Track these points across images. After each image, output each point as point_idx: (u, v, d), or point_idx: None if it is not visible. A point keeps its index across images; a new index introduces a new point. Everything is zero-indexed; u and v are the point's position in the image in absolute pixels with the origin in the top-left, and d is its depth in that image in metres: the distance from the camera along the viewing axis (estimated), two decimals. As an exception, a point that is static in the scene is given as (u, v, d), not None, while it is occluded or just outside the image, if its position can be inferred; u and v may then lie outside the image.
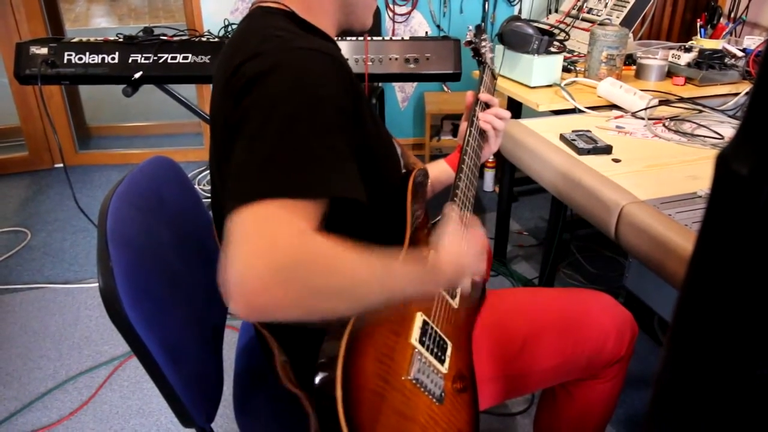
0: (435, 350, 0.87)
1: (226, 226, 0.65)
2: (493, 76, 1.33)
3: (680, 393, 0.43)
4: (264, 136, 0.70)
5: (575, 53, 2.28)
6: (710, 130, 1.56)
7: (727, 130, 1.55)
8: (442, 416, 0.83)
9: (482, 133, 1.17)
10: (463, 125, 1.19)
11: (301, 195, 0.67)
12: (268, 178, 0.67)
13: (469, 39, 1.30)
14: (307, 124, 0.71)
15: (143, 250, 0.88)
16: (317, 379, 0.71)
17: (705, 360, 0.40)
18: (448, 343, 0.91)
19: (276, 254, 0.62)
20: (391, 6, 3.14)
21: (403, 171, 1.00)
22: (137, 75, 2.06)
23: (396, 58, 2.16)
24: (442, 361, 0.87)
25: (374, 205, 0.90)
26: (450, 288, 0.87)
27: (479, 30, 1.32)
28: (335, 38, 0.94)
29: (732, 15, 2.60)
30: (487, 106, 1.20)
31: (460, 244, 0.85)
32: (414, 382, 0.80)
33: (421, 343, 0.85)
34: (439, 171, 1.21)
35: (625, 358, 1.14)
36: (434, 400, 0.83)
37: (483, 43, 1.32)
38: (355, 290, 0.68)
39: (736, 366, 0.39)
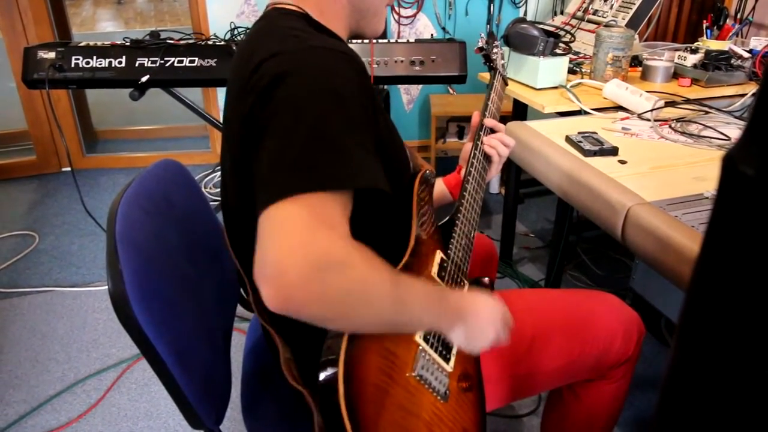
0: (440, 348, 0.87)
1: (260, 218, 0.66)
2: (504, 82, 1.33)
3: (688, 394, 0.43)
4: (294, 134, 0.71)
5: (581, 55, 2.28)
6: (717, 131, 1.55)
7: (734, 131, 1.55)
8: (446, 414, 0.83)
9: (486, 157, 1.16)
10: (468, 146, 1.18)
11: (332, 187, 0.69)
12: (303, 173, 0.69)
13: (480, 45, 1.31)
14: (335, 121, 0.73)
15: (152, 253, 0.89)
16: (320, 375, 0.72)
17: (713, 361, 0.40)
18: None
19: (314, 248, 0.64)
20: (396, 8, 3.15)
21: (411, 173, 1.01)
22: (144, 79, 2.07)
23: (401, 61, 2.16)
24: (447, 360, 0.88)
25: (383, 207, 0.90)
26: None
27: (491, 36, 1.33)
28: (347, 41, 0.95)
29: (738, 16, 2.59)
30: (492, 131, 1.19)
31: (488, 303, 0.86)
32: (418, 378, 0.81)
33: (426, 340, 0.85)
34: (436, 190, 1.19)
35: (633, 358, 1.14)
36: (438, 397, 0.83)
37: (494, 50, 1.32)
38: (381, 305, 0.69)
39: (744, 367, 0.39)
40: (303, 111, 0.72)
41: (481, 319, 0.83)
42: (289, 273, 0.62)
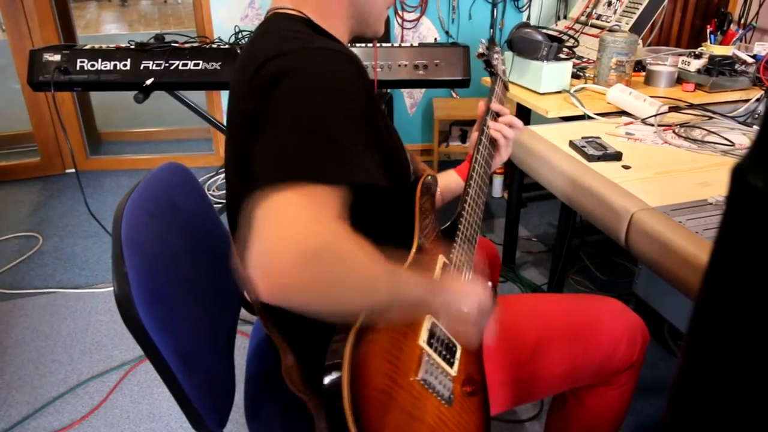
0: (443, 352, 0.87)
1: (254, 209, 0.67)
2: (505, 88, 1.34)
3: (697, 407, 0.43)
4: (294, 128, 0.72)
5: (584, 59, 2.28)
6: (720, 136, 1.55)
7: (738, 136, 1.55)
8: (451, 418, 0.83)
9: (493, 142, 1.18)
10: (474, 135, 1.20)
11: (328, 181, 0.70)
12: (298, 164, 0.70)
13: (481, 51, 1.32)
14: (334, 117, 0.74)
15: (157, 256, 0.89)
16: (325, 380, 0.72)
17: (722, 373, 0.40)
18: (458, 346, 0.91)
19: (307, 237, 0.64)
20: (399, 12, 3.15)
21: (412, 177, 1.01)
22: (149, 82, 2.07)
23: (405, 65, 2.16)
24: (451, 364, 0.87)
25: (383, 210, 0.90)
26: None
27: (491, 42, 1.34)
28: (347, 44, 0.96)
29: (742, 21, 2.59)
30: (498, 116, 1.20)
31: (468, 283, 0.89)
32: (422, 382, 0.81)
33: (429, 344, 0.85)
34: (449, 181, 1.22)
35: (637, 364, 1.13)
36: (443, 401, 0.83)
37: (495, 55, 1.33)
38: (369, 284, 0.71)
39: (754, 379, 0.39)
40: (303, 107, 0.73)
41: (459, 296, 0.85)
42: (279, 262, 0.62)
